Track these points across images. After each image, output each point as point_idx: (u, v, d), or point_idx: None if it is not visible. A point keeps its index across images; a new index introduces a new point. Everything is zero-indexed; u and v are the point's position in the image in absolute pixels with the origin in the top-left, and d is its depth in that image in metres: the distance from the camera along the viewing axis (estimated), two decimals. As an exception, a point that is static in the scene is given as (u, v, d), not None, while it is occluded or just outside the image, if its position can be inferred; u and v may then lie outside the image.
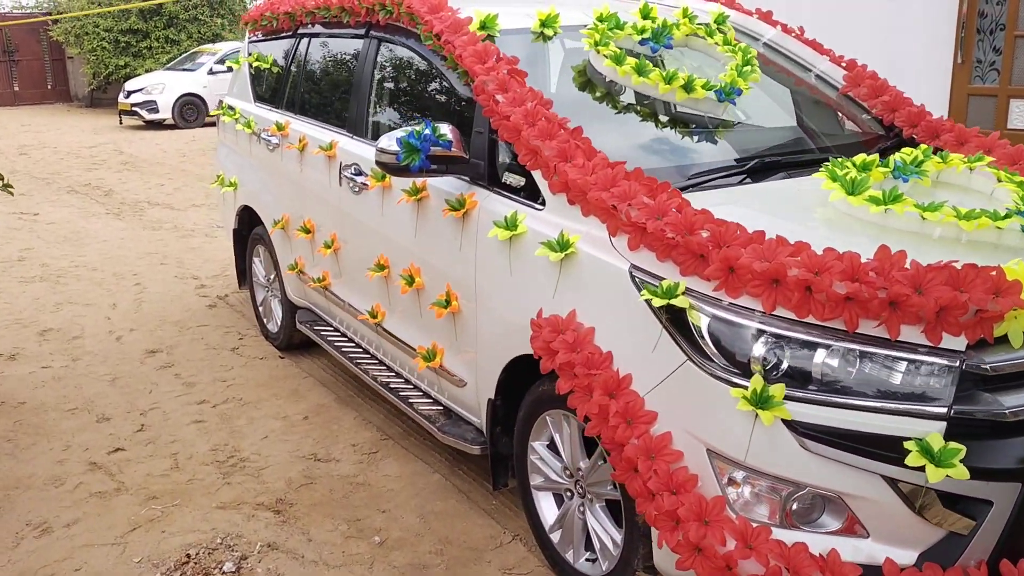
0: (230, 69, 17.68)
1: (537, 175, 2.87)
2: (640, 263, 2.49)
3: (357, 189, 3.82)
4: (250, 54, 5.27)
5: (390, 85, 3.95)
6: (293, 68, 4.75)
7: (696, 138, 3.30)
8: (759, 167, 3.03)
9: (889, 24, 7.76)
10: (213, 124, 17.81)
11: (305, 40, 4.66)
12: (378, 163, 3.13)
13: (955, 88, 7.41)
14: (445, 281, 3.28)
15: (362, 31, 4.03)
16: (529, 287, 2.84)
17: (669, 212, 2.45)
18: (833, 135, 3.62)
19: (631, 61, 3.26)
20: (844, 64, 3.82)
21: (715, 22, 3.77)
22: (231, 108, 5.33)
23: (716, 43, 3.64)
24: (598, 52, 3.36)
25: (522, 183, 2.98)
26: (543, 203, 2.86)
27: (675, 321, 2.36)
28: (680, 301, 2.32)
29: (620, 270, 2.52)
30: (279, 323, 5.11)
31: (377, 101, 3.94)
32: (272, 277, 5.10)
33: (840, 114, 3.75)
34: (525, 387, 3.02)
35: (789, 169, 3.05)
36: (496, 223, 2.91)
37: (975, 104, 7.43)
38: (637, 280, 2.47)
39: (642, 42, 3.53)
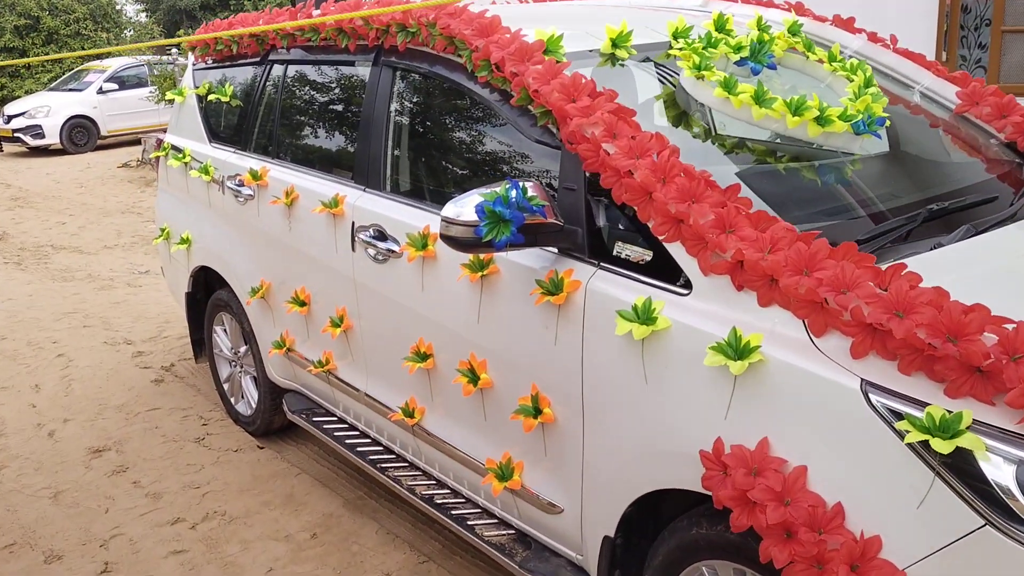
0: (123, 87, 16.41)
1: (676, 249, 2.15)
2: (876, 377, 1.80)
3: (381, 257, 3.03)
4: (198, 84, 4.39)
5: (417, 126, 3.17)
6: (264, 102, 3.90)
7: (849, 183, 2.65)
8: (938, 215, 2.38)
9: (867, 20, 7.31)
10: (107, 147, 16.53)
11: (279, 68, 3.82)
12: (445, 237, 2.36)
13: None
14: (529, 381, 2.53)
15: (369, 58, 3.23)
16: (680, 402, 2.12)
17: (915, 305, 1.77)
18: (969, 166, 3.02)
19: (746, 88, 2.58)
20: (952, 78, 3.23)
21: (789, 31, 3.13)
22: (177, 149, 4.43)
23: (819, 59, 3.00)
24: (698, 77, 2.67)
25: (647, 258, 2.26)
26: (686, 285, 2.15)
27: (956, 466, 1.68)
28: (969, 441, 1.65)
29: (843, 387, 1.83)
30: (255, 405, 4.25)
31: (398, 146, 3.15)
32: (244, 351, 4.24)
33: (955, 139, 3.15)
34: (658, 521, 2.32)
35: (979, 218, 2.41)
36: (623, 315, 2.18)
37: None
38: (877, 404, 1.78)
39: (739, 62, 2.85)
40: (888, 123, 2.71)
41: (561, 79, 2.45)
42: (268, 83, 3.87)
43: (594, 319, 2.31)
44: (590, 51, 2.80)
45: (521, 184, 2.31)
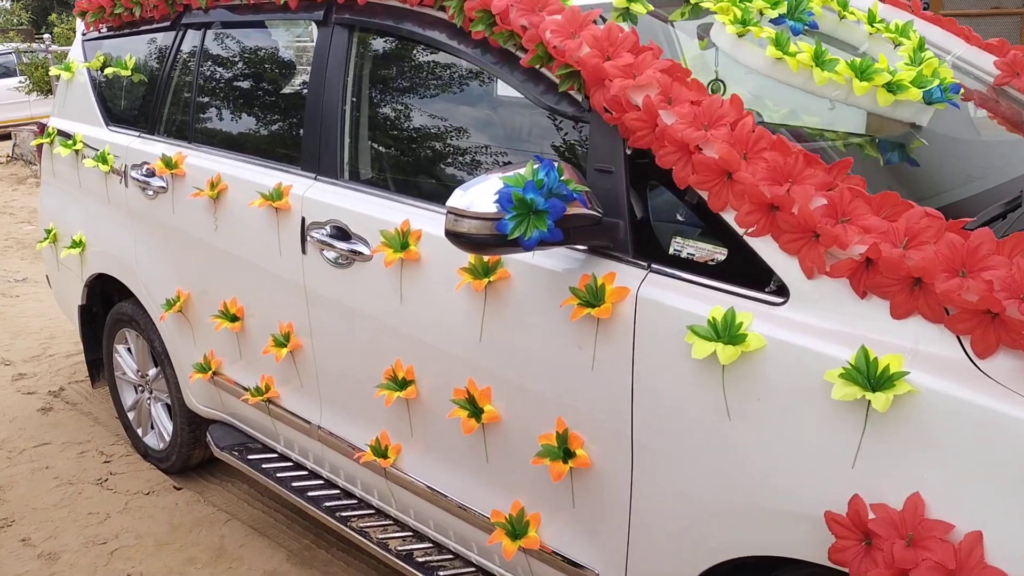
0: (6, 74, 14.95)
1: (765, 245, 1.66)
2: (1081, 414, 1.35)
3: (343, 261, 2.44)
4: (90, 57, 3.68)
5: (386, 100, 2.59)
6: (177, 76, 3.24)
7: (917, 162, 2.22)
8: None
9: None
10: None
11: (194, 33, 3.17)
12: (453, 235, 1.80)
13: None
14: (553, 415, 2.00)
15: (317, 15, 2.63)
16: (780, 445, 1.63)
17: None
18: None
19: (806, 48, 2.11)
20: (988, 46, 2.85)
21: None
22: (65, 135, 3.71)
23: (857, 19, 2.56)
24: (740, 34, 2.19)
25: (718, 257, 1.76)
26: (779, 292, 1.66)
27: None
28: None
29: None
30: (169, 438, 3.58)
31: (359, 125, 2.57)
32: (154, 374, 3.56)
33: (989, 113, 2.77)
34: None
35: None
36: (697, 331, 1.68)
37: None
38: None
39: (776, 20, 2.39)
40: (962, 91, 2.29)
41: (591, 31, 1.93)
42: (182, 52, 3.21)
43: (649, 336, 1.80)
44: (596, 5, 2.28)
45: (556, 164, 1.78)
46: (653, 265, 1.84)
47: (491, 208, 1.75)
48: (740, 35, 2.20)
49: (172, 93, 3.25)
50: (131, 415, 3.80)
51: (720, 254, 1.76)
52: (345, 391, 2.59)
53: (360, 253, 2.37)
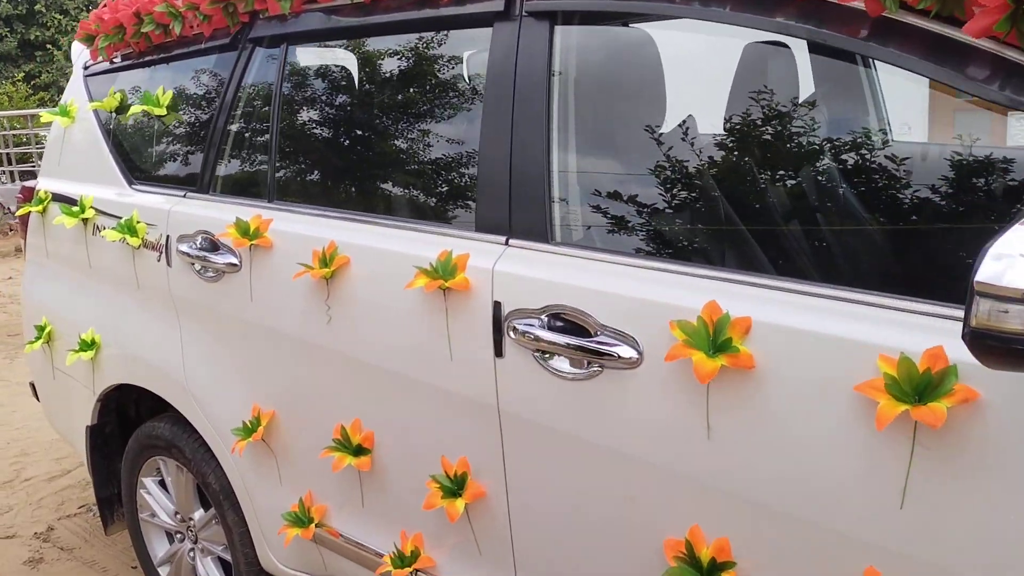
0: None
1: None
2: None
3: (580, 371, 1.57)
4: (96, 96, 2.78)
5: (627, 125, 1.76)
6: (242, 111, 2.36)
7: None
8: None
9: None
10: None
11: (269, 52, 2.30)
12: (994, 338, 0.96)
13: None
14: None
15: (497, 7, 1.79)
16: None
17: None
18: None
19: None
20: None
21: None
22: (67, 200, 2.78)
23: None
24: None
25: None
26: None
27: None
28: None
29: None
30: (225, 605, 2.62)
31: (575, 161, 1.73)
32: (202, 519, 2.61)
33: None
34: None
35: None
36: None
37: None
38: None
39: None
40: None
41: None
42: (248, 78, 2.34)
43: None
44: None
45: None
46: None
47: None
48: None
49: (235, 136, 2.37)
50: (164, 571, 2.83)
51: None
52: (564, 561, 1.70)
53: (617, 358, 1.51)
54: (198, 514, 2.65)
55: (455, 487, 1.80)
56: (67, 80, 3.64)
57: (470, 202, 1.85)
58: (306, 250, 2.01)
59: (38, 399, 3.29)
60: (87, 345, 2.69)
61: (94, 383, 2.75)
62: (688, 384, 1.43)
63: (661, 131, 1.76)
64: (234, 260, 2.20)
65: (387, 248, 1.89)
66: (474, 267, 1.72)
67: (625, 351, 1.50)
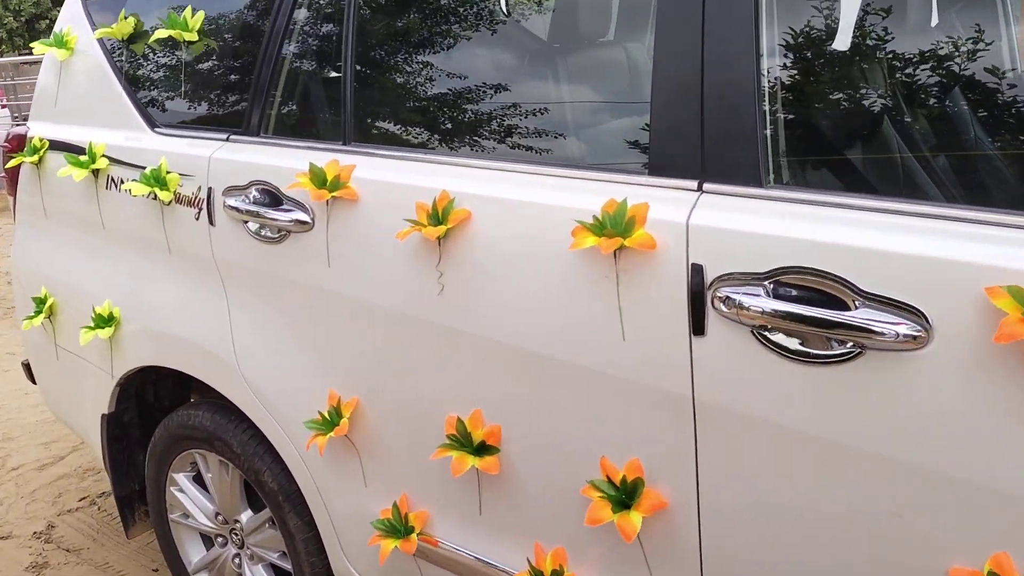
0: None
1: None
2: None
3: (832, 352, 1.20)
4: (97, 22, 2.32)
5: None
6: (301, 31, 1.93)
7: None
8: None
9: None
10: None
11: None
12: None
13: None
14: None
15: None
16: None
17: None
18: None
19: None
20: None
21: None
22: (71, 149, 2.33)
23: None
24: None
25: None
26: None
27: None
28: None
29: None
30: (281, 620, 2.24)
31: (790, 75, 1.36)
32: (250, 521, 2.23)
33: None
34: None
35: None
36: None
37: None
38: None
39: None
40: None
41: None
42: (311, -7, 1.91)
43: None
44: None
45: None
46: None
47: None
48: None
49: (292, 62, 1.94)
50: (201, 579, 2.44)
51: None
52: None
53: (891, 336, 1.14)
54: (246, 516, 2.26)
55: (623, 495, 1.44)
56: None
57: (639, 137, 1.46)
58: (402, 203, 1.62)
59: (33, 381, 2.85)
60: (103, 321, 2.27)
61: (112, 365, 2.33)
62: (1001, 369, 1.07)
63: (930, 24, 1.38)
64: (304, 217, 1.79)
65: (523, 199, 1.50)
66: (658, 221, 1.34)
67: (904, 327, 1.13)
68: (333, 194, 1.70)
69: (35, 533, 3.04)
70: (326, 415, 1.83)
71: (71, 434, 3.61)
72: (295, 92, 1.95)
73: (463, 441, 1.63)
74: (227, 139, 2.01)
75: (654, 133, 1.40)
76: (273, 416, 1.96)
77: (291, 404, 1.92)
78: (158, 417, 2.46)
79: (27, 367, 2.87)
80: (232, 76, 2.07)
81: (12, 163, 2.49)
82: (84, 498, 3.27)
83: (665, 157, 1.38)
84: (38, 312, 2.51)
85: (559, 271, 1.44)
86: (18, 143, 2.55)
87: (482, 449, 1.62)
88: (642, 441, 1.42)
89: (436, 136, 1.75)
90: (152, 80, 2.25)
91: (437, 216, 1.56)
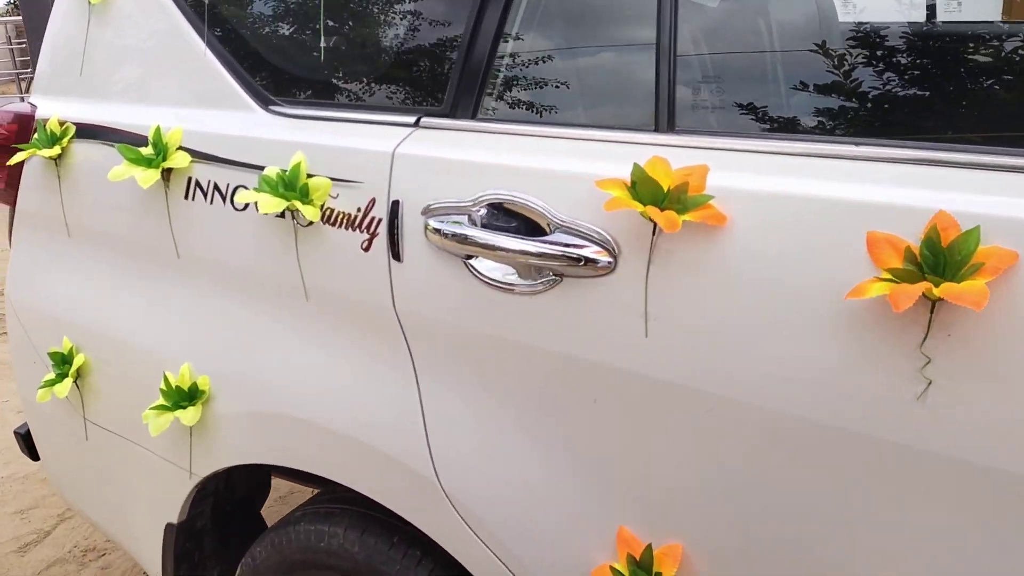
0: None
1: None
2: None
3: None
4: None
5: None
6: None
7: None
8: None
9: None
10: None
11: None
12: None
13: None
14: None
15: None
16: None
17: None
18: None
19: None
20: None
21: None
22: (113, 137, 1.54)
23: None
24: None
25: None
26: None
27: None
28: None
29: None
30: None
31: None
32: None
33: None
34: None
35: None
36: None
37: None
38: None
39: None
40: None
41: None
42: None
43: None
44: None
45: None
46: None
47: None
48: None
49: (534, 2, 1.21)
50: None
51: None
52: None
53: None
54: None
55: None
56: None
57: None
58: (821, 231, 0.91)
59: (33, 457, 2.06)
60: (182, 396, 1.50)
61: (192, 461, 1.57)
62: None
63: None
64: (597, 252, 1.06)
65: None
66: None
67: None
68: (685, 217, 0.98)
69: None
70: (621, 571, 1.12)
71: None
72: (544, 48, 1.22)
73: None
74: (416, 123, 1.25)
75: None
76: (506, 563, 1.24)
77: (544, 548, 1.20)
78: (228, 510, 1.72)
79: (22, 438, 2.07)
80: (423, 17, 1.32)
81: (16, 158, 1.68)
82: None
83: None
84: (60, 375, 1.72)
85: None
86: (19, 128, 1.74)
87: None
88: None
89: (859, 115, 1.04)
90: (261, 28, 1.48)
91: (932, 257, 0.86)
